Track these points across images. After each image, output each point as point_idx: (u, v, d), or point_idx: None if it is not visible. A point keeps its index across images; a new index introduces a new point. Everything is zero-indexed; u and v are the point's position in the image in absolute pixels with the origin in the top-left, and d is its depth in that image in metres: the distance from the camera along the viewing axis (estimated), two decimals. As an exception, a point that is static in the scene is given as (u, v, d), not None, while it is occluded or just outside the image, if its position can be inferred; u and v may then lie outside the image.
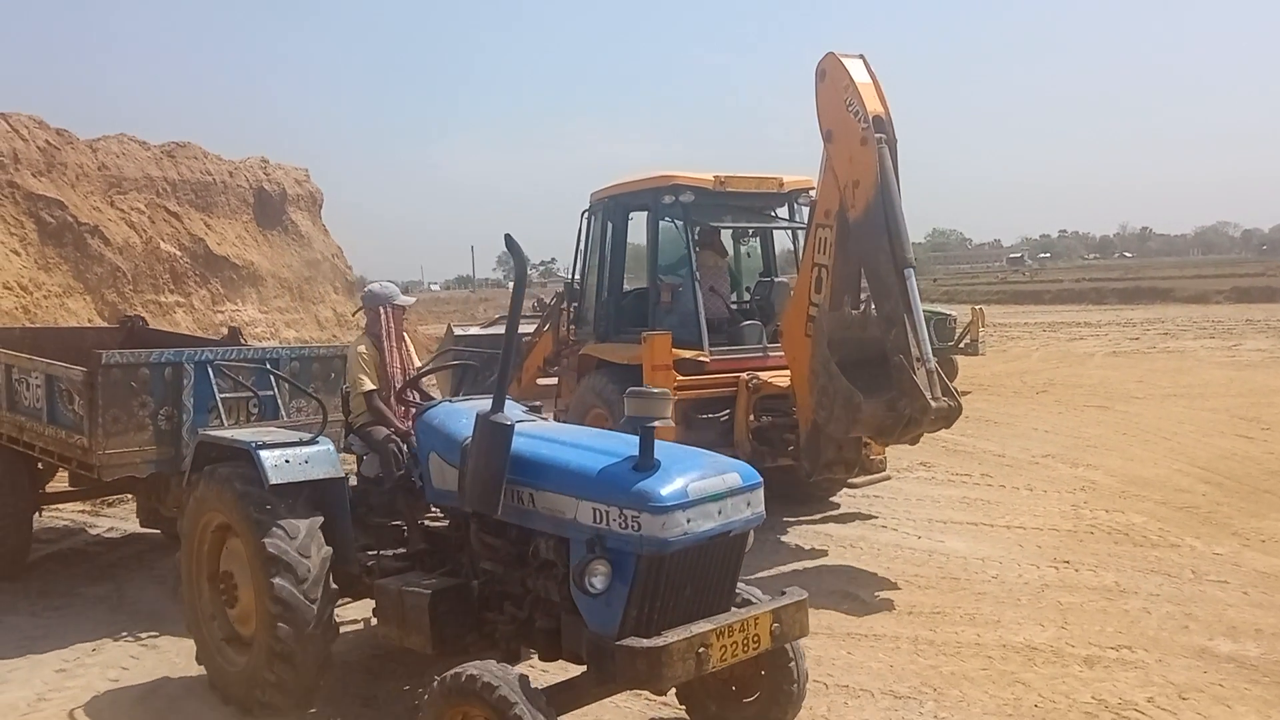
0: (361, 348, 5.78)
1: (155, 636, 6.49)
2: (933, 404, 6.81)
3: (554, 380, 10.87)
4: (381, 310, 5.88)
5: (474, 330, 15.70)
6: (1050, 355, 25.25)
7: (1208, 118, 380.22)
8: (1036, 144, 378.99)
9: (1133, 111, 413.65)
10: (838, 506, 9.67)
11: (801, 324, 7.83)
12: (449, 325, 15.79)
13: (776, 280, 10.10)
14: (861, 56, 7.52)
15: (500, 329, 14.98)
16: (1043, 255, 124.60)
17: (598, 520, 4.03)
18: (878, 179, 7.08)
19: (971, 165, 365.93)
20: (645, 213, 9.53)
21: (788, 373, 8.33)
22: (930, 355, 6.94)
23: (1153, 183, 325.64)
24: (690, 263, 9.17)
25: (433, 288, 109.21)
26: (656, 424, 4.05)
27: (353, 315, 5.91)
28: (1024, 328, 34.57)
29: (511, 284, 4.44)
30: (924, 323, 7.05)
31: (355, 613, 6.14)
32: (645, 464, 4.02)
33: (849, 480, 9.19)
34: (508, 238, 4.26)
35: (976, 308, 20.24)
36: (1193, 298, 46.55)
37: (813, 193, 8.65)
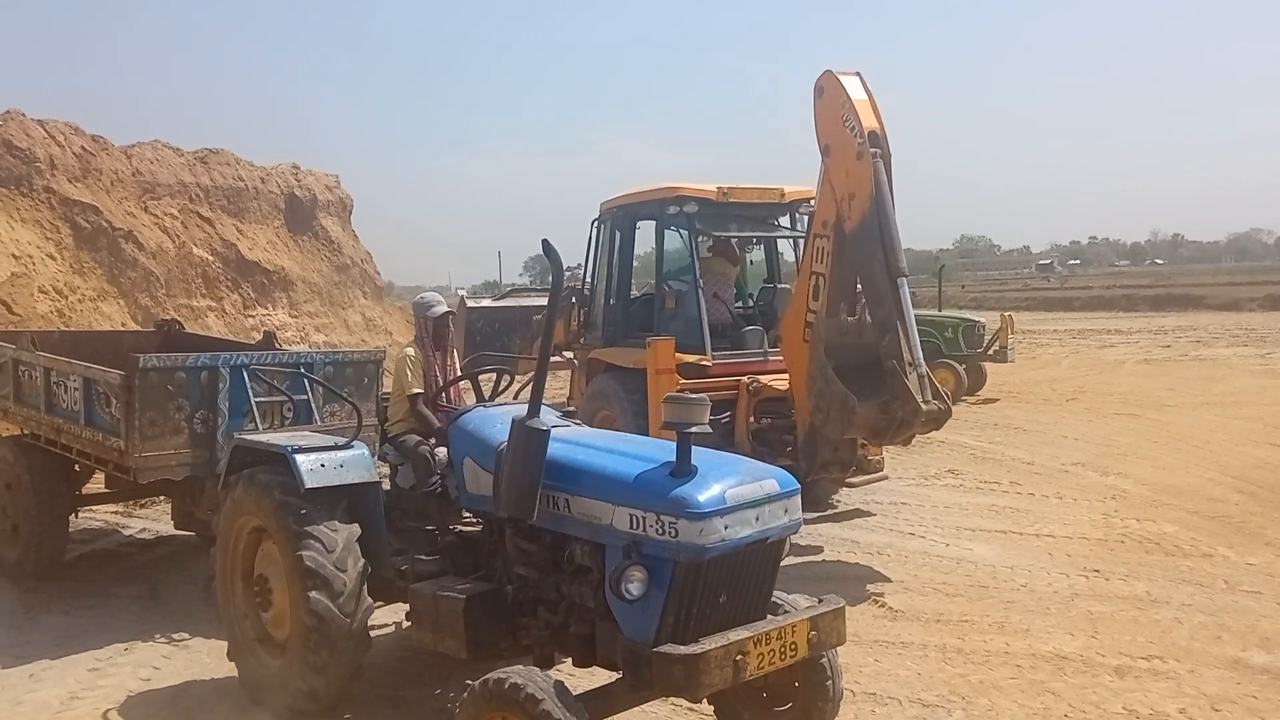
0: (410, 350, 5.83)
1: (186, 638, 6.58)
2: (923, 406, 7.12)
3: (559, 358, 11.38)
4: (422, 319, 5.93)
5: (486, 303, 15.88)
6: (1080, 362, 25.06)
7: (1241, 122, 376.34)
8: (1066, 149, 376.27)
9: (1164, 116, 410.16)
10: (866, 514, 9.66)
11: (800, 330, 8.05)
12: (461, 298, 15.90)
13: (779, 286, 10.36)
14: (858, 74, 7.84)
15: (511, 302, 15.16)
16: (1072, 262, 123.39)
17: (634, 526, 4.05)
18: (872, 192, 7.38)
19: (1000, 170, 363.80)
20: (653, 222, 9.91)
21: (787, 376, 8.55)
22: (921, 360, 7.25)
23: (1185, 188, 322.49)
24: (694, 270, 9.58)
25: (460, 292, 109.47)
26: (694, 430, 4.06)
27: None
28: (1053, 334, 34.32)
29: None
30: (915, 329, 7.36)
31: (385, 616, 6.18)
32: (683, 470, 4.04)
33: (847, 480, 9.26)
34: (545, 243, 4.30)
35: (1006, 314, 20.14)
36: (1225, 305, 46.01)
37: (813, 203, 8.94)
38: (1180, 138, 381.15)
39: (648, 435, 4.70)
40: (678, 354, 8.89)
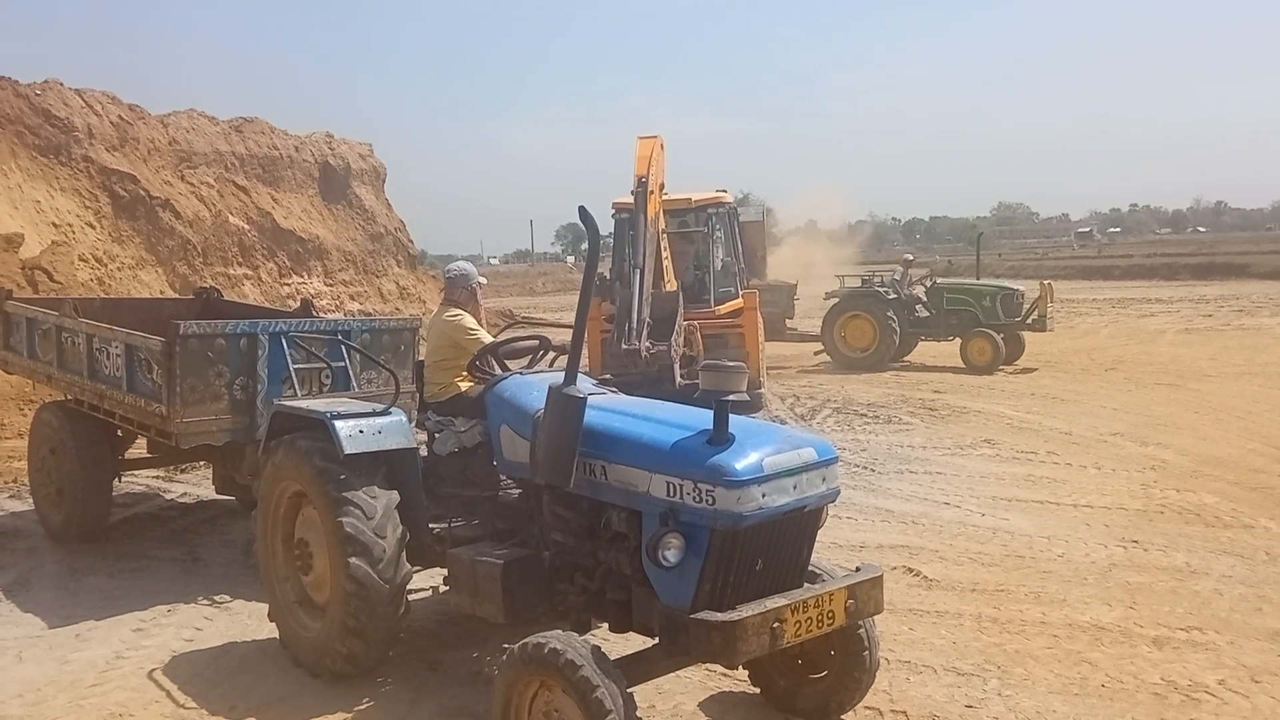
0: (458, 313, 5.85)
1: (227, 600, 6.69)
2: (624, 346, 10.15)
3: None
4: (466, 288, 6.02)
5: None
6: (1120, 332, 24.76)
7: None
8: (1106, 115, 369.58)
9: (1206, 79, 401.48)
10: (901, 483, 9.62)
11: None
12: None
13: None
14: (656, 136, 12.16)
15: None
16: (1112, 230, 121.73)
17: (671, 494, 4.05)
18: (634, 212, 11.28)
19: (1039, 136, 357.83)
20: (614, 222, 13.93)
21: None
22: (635, 318, 10.24)
23: (1229, 154, 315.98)
24: (627, 256, 12.69)
25: (492, 262, 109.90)
26: (732, 398, 4.04)
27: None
28: (1093, 304, 33.92)
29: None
30: (643, 301, 10.37)
31: (422, 580, 6.24)
32: (720, 438, 4.03)
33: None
34: (582, 210, 4.28)
35: (1045, 282, 19.90)
36: (1269, 273, 45.13)
37: (720, 207, 14.14)
38: (1223, 102, 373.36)
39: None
40: (612, 305, 12.17)
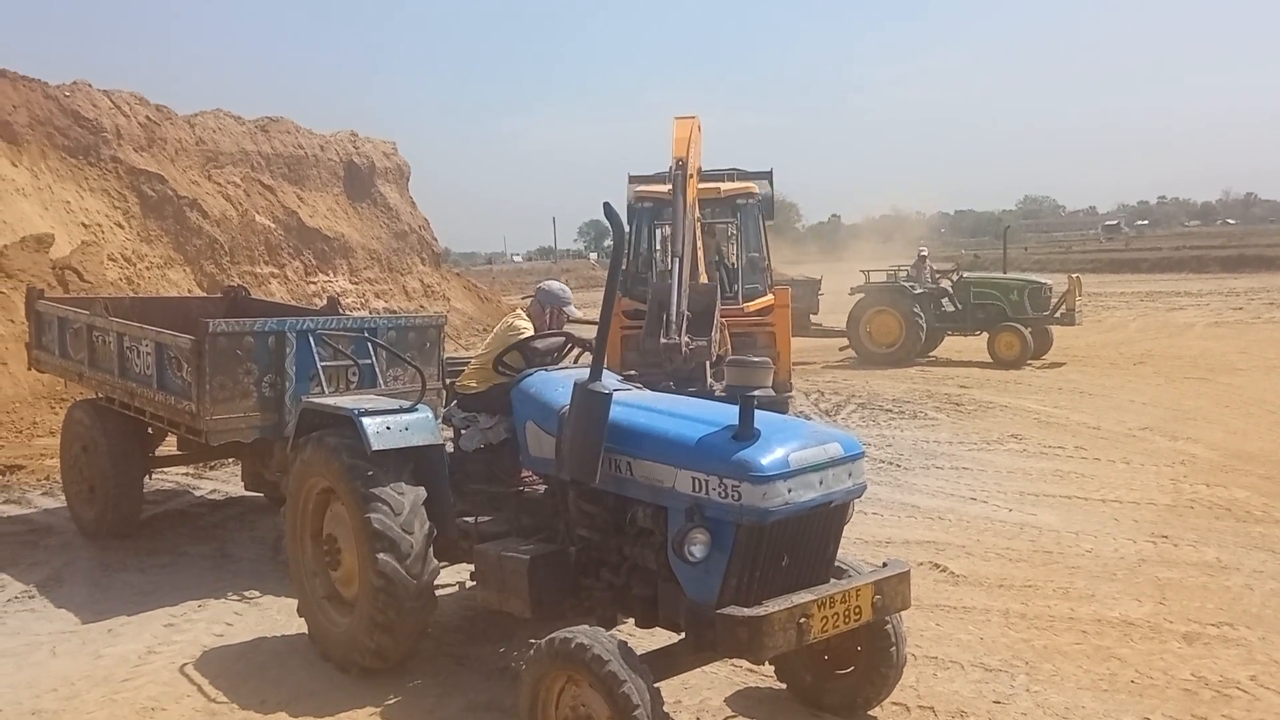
0: (522, 323, 5.80)
1: (257, 595, 6.74)
2: (663, 340, 9.42)
3: None
4: (553, 310, 5.91)
5: None
6: (1148, 325, 24.54)
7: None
8: (1133, 105, 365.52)
9: (1235, 68, 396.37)
10: (927, 479, 9.58)
11: None
12: None
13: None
14: (693, 116, 11.22)
15: None
16: (1140, 222, 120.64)
17: (697, 489, 4.06)
18: (673, 197, 10.44)
19: (1066, 127, 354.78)
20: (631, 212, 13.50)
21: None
22: (675, 311, 9.49)
23: (1258, 145, 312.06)
24: (652, 245, 13.19)
25: (515, 259, 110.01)
26: (757, 393, 4.04)
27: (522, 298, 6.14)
28: (1121, 297, 33.62)
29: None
30: (682, 292, 9.62)
31: (449, 576, 6.27)
32: (745, 433, 4.02)
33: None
34: (606, 206, 4.29)
35: (1074, 276, 19.73)
36: (1300, 266, 44.60)
37: (749, 199, 13.15)
38: (1252, 91, 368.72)
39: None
40: (631, 300, 12.14)
